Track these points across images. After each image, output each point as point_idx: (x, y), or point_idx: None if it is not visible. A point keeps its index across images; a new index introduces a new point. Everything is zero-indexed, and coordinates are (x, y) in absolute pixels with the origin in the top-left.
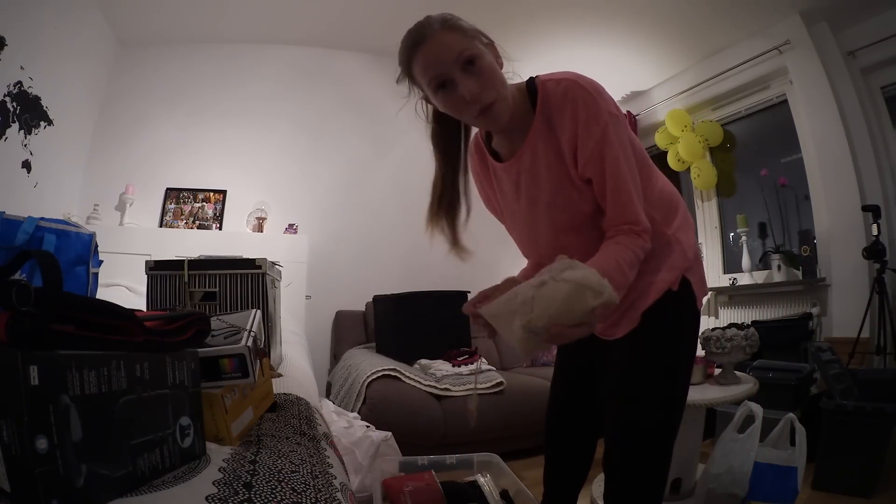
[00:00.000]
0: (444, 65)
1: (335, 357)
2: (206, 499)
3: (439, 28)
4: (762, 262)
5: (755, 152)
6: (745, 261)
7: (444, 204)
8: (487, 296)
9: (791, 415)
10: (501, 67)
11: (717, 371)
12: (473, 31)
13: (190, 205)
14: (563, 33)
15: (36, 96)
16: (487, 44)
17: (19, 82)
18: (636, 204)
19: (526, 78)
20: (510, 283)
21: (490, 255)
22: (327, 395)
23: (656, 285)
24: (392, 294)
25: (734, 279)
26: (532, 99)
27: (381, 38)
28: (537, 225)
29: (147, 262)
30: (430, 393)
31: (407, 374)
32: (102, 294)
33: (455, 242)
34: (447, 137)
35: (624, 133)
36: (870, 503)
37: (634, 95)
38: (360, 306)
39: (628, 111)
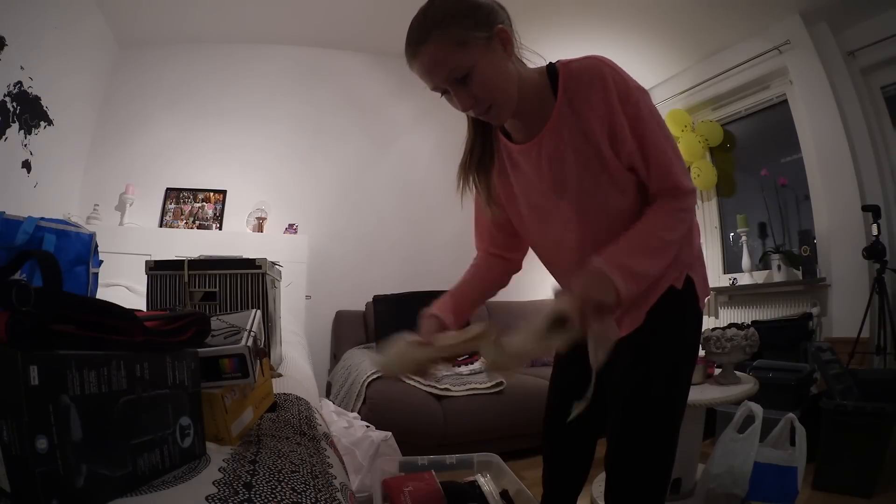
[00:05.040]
0: (435, 80)
1: (335, 357)
2: (206, 499)
3: (430, 38)
4: (762, 262)
5: (755, 152)
6: (745, 261)
7: (475, 156)
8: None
9: (791, 415)
10: (511, 53)
11: (717, 371)
12: (469, 33)
13: (190, 205)
14: (563, 33)
15: (36, 96)
16: (490, 37)
17: (19, 82)
18: (676, 171)
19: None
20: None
21: None
22: (327, 395)
23: (660, 283)
24: (392, 294)
25: (734, 279)
26: (552, 83)
27: (381, 38)
28: (562, 215)
29: (147, 262)
30: (430, 393)
31: None
32: (102, 294)
33: (490, 198)
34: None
35: (654, 107)
36: (870, 503)
37: None
38: (360, 306)
39: None
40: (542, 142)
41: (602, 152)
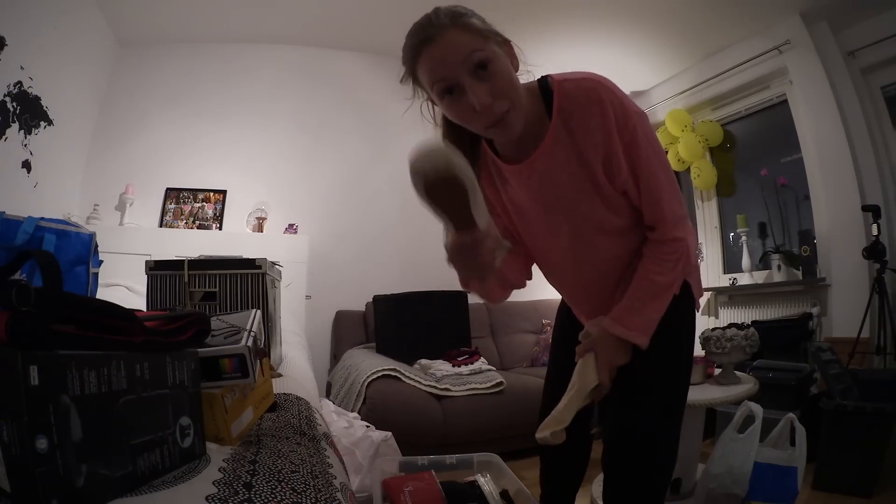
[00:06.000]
0: (451, 68)
1: (335, 357)
2: (206, 499)
3: (449, 25)
4: (762, 262)
5: (755, 152)
6: (745, 261)
7: None
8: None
9: (791, 415)
10: (517, 69)
11: (717, 371)
12: (487, 29)
13: (190, 205)
14: (563, 33)
15: (36, 96)
16: (502, 42)
17: (19, 82)
18: (663, 204)
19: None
20: None
21: None
22: (327, 395)
23: None
24: (392, 294)
25: (734, 279)
26: (545, 99)
27: (381, 38)
28: (557, 235)
29: (147, 262)
30: (430, 393)
31: (407, 374)
32: (102, 294)
33: None
34: (459, 139)
35: (650, 131)
36: (870, 503)
37: (634, 95)
38: (360, 306)
39: None
40: (536, 162)
41: (596, 177)
